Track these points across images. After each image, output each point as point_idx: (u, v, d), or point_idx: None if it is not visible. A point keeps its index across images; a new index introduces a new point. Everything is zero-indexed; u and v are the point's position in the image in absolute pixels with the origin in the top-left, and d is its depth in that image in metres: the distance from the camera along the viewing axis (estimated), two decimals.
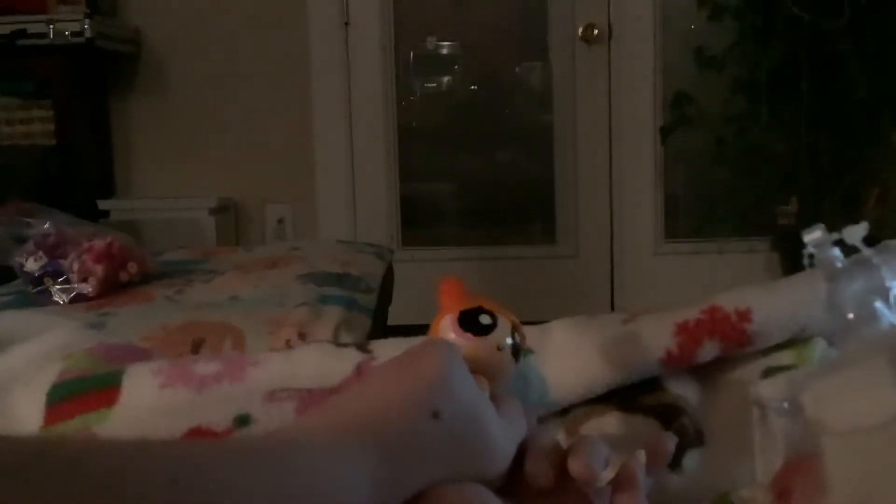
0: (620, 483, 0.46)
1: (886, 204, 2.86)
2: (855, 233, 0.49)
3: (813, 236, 0.48)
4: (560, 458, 0.47)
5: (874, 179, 2.87)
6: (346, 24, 3.27)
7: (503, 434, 0.47)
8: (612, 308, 3.37)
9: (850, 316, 0.45)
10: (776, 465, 0.43)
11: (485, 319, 0.51)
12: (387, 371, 0.48)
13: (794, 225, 3.02)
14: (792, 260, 3.00)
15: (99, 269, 1.57)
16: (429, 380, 0.46)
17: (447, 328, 0.51)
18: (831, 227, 1.93)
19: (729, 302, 0.61)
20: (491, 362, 0.50)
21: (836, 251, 0.48)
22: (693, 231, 3.30)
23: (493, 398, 0.49)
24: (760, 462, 0.48)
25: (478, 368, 0.49)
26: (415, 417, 0.44)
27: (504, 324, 0.51)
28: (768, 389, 0.45)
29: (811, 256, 0.49)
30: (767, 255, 3.21)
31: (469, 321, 0.51)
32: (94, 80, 3.16)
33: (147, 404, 0.58)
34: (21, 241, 1.63)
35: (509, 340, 0.51)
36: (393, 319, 2.14)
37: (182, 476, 0.36)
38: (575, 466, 0.46)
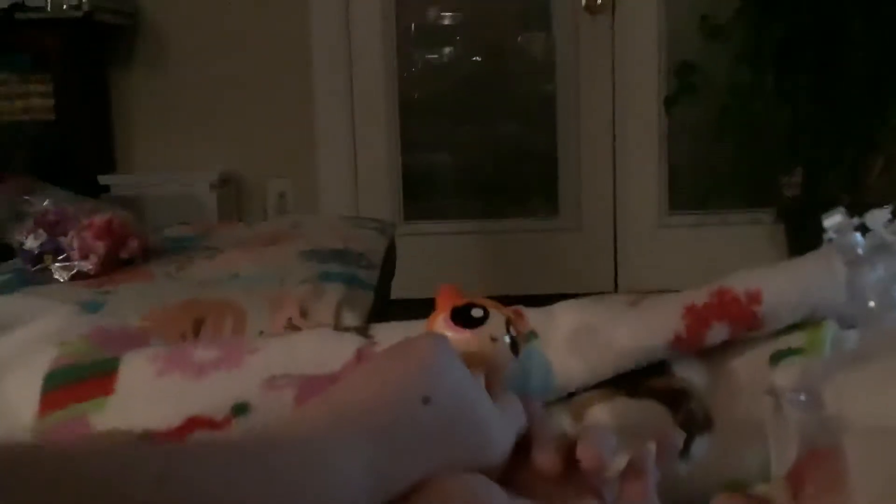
0: (630, 474, 0.46)
1: (891, 174, 2.84)
2: (877, 218, 0.47)
3: (833, 221, 0.46)
4: (568, 447, 0.47)
5: (879, 150, 2.85)
6: None
7: (499, 423, 0.47)
8: (616, 280, 3.36)
9: (872, 304, 0.43)
10: (790, 457, 0.42)
11: (476, 313, 0.52)
12: (378, 361, 0.49)
13: (798, 196, 3.00)
14: (796, 231, 2.99)
15: (99, 247, 1.56)
16: (419, 366, 0.46)
17: (440, 325, 0.52)
18: (836, 198, 1.91)
19: (738, 283, 0.59)
20: (485, 353, 0.50)
21: (857, 236, 0.46)
22: (697, 203, 3.28)
23: (489, 389, 0.49)
24: (774, 453, 0.47)
25: (472, 360, 0.49)
26: (406, 403, 0.44)
27: (497, 317, 0.52)
28: (783, 378, 0.44)
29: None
30: (772, 226, 3.19)
31: (461, 315, 0.52)
32: (93, 54, 3.13)
33: (144, 392, 0.58)
34: (20, 218, 1.62)
35: (505, 335, 0.51)
36: (396, 293, 2.13)
37: (169, 474, 0.35)
38: (584, 455, 0.45)
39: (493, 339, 0.51)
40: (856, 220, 0.46)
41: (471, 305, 0.52)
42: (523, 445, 0.48)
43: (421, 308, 0.60)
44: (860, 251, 0.45)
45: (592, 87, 3.29)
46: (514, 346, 0.52)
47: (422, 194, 3.50)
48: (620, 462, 0.45)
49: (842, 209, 0.46)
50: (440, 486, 0.43)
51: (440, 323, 0.52)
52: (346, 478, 0.41)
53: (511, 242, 3.37)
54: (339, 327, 0.69)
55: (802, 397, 0.40)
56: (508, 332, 0.52)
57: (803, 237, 2.89)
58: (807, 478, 0.39)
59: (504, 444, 0.47)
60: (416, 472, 0.43)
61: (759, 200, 3.21)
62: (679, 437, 0.50)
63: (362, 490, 0.41)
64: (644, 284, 3.27)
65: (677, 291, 0.63)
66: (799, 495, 0.38)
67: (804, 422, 0.40)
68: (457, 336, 0.50)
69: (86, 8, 2.83)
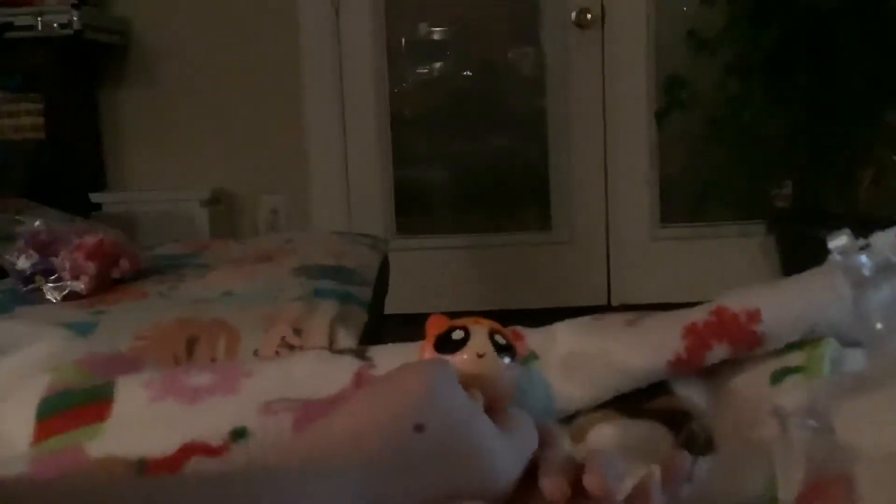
0: (635, 499, 0.45)
1: (881, 184, 2.85)
2: (884, 239, 0.47)
3: (839, 242, 0.46)
4: (574, 472, 0.46)
5: (869, 160, 2.86)
6: (337, 11, 3.24)
7: (503, 449, 0.46)
8: (609, 293, 3.35)
9: (879, 326, 0.43)
10: (796, 480, 0.42)
11: (457, 335, 0.51)
12: (373, 387, 0.48)
13: (788, 208, 3.01)
14: (787, 243, 2.99)
15: (91, 267, 1.55)
16: (411, 393, 0.45)
17: (481, 333, 0.52)
18: (826, 208, 1.91)
19: (737, 303, 0.59)
20: (477, 372, 0.50)
21: (863, 258, 0.46)
22: (688, 215, 3.29)
23: (496, 411, 0.48)
24: (781, 476, 0.46)
25: (469, 382, 0.49)
26: (397, 431, 0.44)
27: (478, 332, 0.52)
28: (789, 401, 0.43)
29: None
30: (763, 238, 3.20)
31: (443, 342, 0.52)
32: (84, 73, 3.12)
33: (139, 418, 0.57)
34: (11, 238, 1.61)
35: (490, 348, 0.51)
36: (389, 308, 2.12)
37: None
38: (592, 482, 0.44)
39: (480, 356, 0.50)
40: (861, 242, 0.46)
41: (452, 329, 0.52)
42: (530, 469, 0.47)
43: (414, 323, 0.60)
44: (866, 272, 0.44)
45: (583, 101, 3.30)
46: (507, 351, 0.51)
47: (414, 209, 3.50)
48: (626, 486, 0.45)
49: (847, 230, 0.46)
50: None
51: (426, 355, 0.52)
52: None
53: (503, 256, 3.37)
54: (335, 348, 0.68)
55: (811, 422, 0.39)
56: (493, 340, 0.51)
57: (795, 249, 2.90)
58: None
59: (509, 471, 0.46)
60: (409, 501, 0.43)
61: (750, 213, 3.22)
62: (687, 461, 0.49)
63: None
64: (637, 297, 3.28)
65: (670, 304, 0.63)
66: None
67: (813, 447, 0.40)
68: (493, 364, 0.50)
69: (76, 27, 2.83)
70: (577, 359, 0.59)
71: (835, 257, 0.45)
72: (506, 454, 0.46)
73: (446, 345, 0.51)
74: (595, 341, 0.60)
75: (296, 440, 0.46)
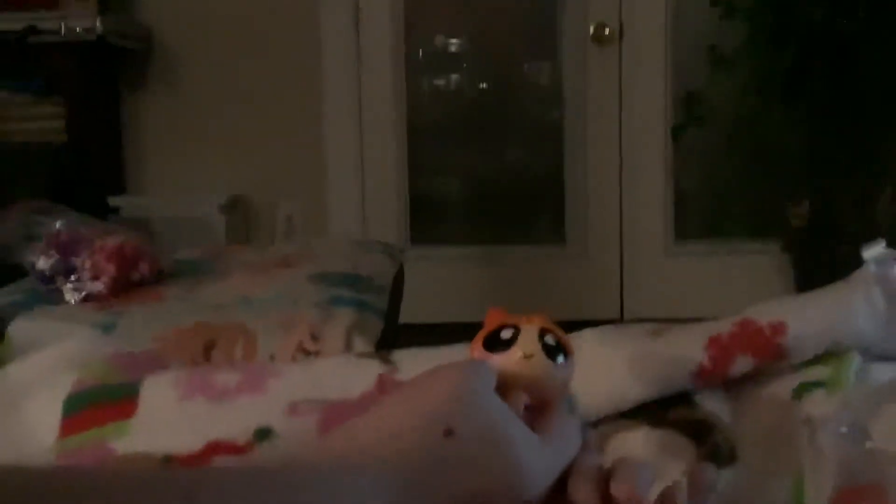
0: None
1: None
2: None
3: (874, 252, 0.46)
4: (602, 479, 0.46)
5: (887, 178, 2.85)
6: (357, 22, 3.25)
7: (535, 458, 0.45)
8: (622, 309, 3.35)
9: None
10: (826, 490, 0.42)
11: (505, 334, 0.50)
12: (405, 389, 0.47)
13: (805, 226, 3.00)
14: (803, 261, 2.98)
15: (111, 268, 1.56)
16: (442, 396, 0.45)
17: (531, 334, 0.50)
18: (843, 226, 1.90)
19: (762, 315, 0.59)
20: (522, 373, 0.49)
21: None
22: (704, 232, 3.28)
23: (544, 414, 0.48)
24: (809, 485, 0.46)
25: (512, 383, 0.48)
26: (427, 435, 0.43)
27: (528, 331, 0.50)
28: (819, 410, 0.43)
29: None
30: (779, 256, 3.19)
31: (491, 341, 0.50)
32: (106, 77, 3.15)
33: (165, 417, 0.57)
34: (33, 239, 1.63)
35: (539, 348, 0.49)
36: (404, 318, 2.13)
37: (197, 494, 0.35)
38: (620, 490, 0.44)
39: (527, 356, 0.49)
40: None
41: (502, 327, 0.51)
42: (561, 474, 0.47)
43: (429, 333, 0.60)
44: None
45: (599, 116, 3.30)
46: (557, 351, 0.50)
47: (429, 219, 3.50)
48: (652, 494, 0.45)
49: (882, 241, 0.46)
50: None
51: (475, 353, 0.51)
52: None
53: (517, 269, 3.37)
54: (359, 353, 0.69)
55: (844, 429, 0.39)
56: (543, 341, 0.50)
57: (811, 267, 2.89)
58: None
59: (539, 479, 0.45)
60: (437, 502, 0.43)
61: (766, 230, 3.21)
62: (713, 473, 0.49)
63: None
64: (650, 312, 3.27)
65: (684, 320, 0.63)
66: None
67: (845, 455, 0.40)
68: (541, 365, 0.49)
69: (99, 31, 2.85)
70: (600, 367, 0.59)
71: (870, 267, 0.45)
72: (538, 462, 0.45)
73: (494, 343, 0.50)
74: (619, 350, 0.60)
75: (327, 438, 0.46)
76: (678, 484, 0.46)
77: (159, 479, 0.36)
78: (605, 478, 0.46)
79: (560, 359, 0.50)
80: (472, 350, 0.51)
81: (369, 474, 0.41)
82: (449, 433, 0.43)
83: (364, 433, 0.44)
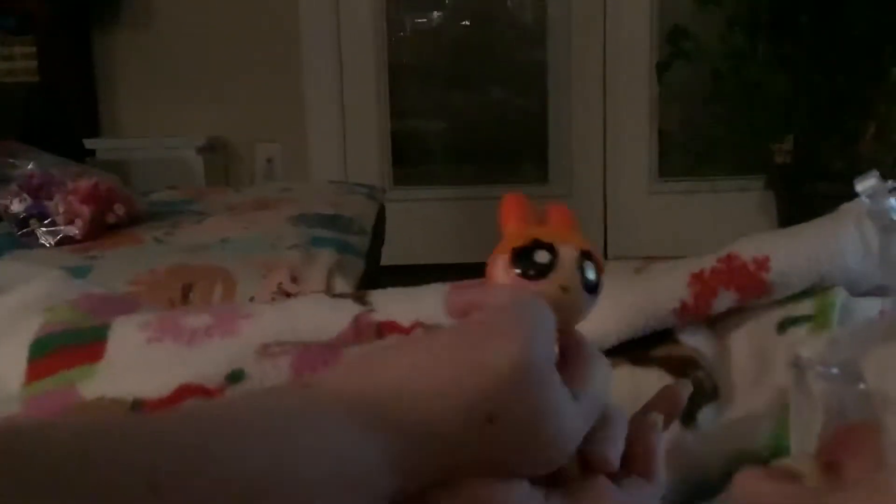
0: (636, 440, 0.43)
1: (883, 139, 2.83)
2: None
3: (867, 184, 0.44)
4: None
5: (871, 116, 2.83)
6: None
7: (576, 423, 0.40)
8: (605, 247, 3.35)
9: None
10: (814, 431, 0.41)
11: (541, 257, 0.43)
12: (449, 345, 0.40)
13: (789, 163, 2.99)
14: (787, 198, 2.98)
15: (85, 211, 1.54)
16: (494, 379, 0.38)
17: (501, 274, 0.43)
18: (827, 164, 1.88)
19: (746, 250, 0.58)
20: (559, 309, 0.42)
21: (892, 201, 0.44)
22: (687, 170, 3.27)
23: (571, 359, 0.42)
24: (795, 427, 0.45)
25: (565, 323, 0.43)
26: (464, 420, 0.38)
27: (568, 256, 0.43)
28: (808, 350, 0.42)
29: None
30: (762, 193, 3.19)
31: (523, 261, 0.43)
32: (78, 16, 3.07)
33: (134, 360, 0.56)
34: (5, 181, 1.60)
35: (579, 276, 0.43)
36: (386, 260, 2.11)
37: (162, 479, 0.32)
38: (593, 457, 0.42)
39: (565, 290, 0.43)
40: (891, 184, 0.44)
41: (534, 244, 0.43)
42: None
43: (411, 274, 0.58)
44: (894, 216, 0.43)
45: (583, 53, 3.26)
46: (593, 287, 0.44)
47: (411, 160, 3.47)
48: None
49: (875, 172, 0.44)
50: (472, 491, 0.39)
51: (500, 272, 0.43)
52: (367, 467, 0.37)
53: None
54: (334, 294, 0.67)
55: (835, 370, 0.38)
56: (583, 272, 0.43)
57: (794, 204, 2.88)
58: (843, 455, 0.37)
59: (572, 446, 0.41)
60: (451, 476, 0.39)
61: (749, 168, 3.20)
62: (686, 388, 0.46)
63: (382, 483, 0.37)
64: (634, 251, 3.27)
65: (667, 259, 0.61)
66: (833, 470, 0.37)
67: (835, 396, 0.38)
68: (578, 300, 0.43)
69: None
70: None
71: (862, 200, 0.44)
72: (575, 429, 0.41)
73: (527, 265, 0.43)
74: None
75: (338, 376, 0.41)
76: (654, 421, 0.45)
77: (120, 463, 0.32)
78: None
79: (594, 292, 0.44)
80: (493, 267, 0.44)
81: (382, 431, 0.37)
82: (491, 419, 0.38)
83: (387, 381, 0.39)
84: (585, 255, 0.44)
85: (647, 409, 0.46)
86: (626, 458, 0.43)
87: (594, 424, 0.42)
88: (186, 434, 0.34)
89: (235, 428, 0.36)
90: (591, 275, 0.44)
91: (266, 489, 0.34)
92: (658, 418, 0.45)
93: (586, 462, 0.42)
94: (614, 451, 0.42)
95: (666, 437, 0.45)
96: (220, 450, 0.34)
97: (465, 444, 0.38)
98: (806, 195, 2.72)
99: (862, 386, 0.36)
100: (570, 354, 0.43)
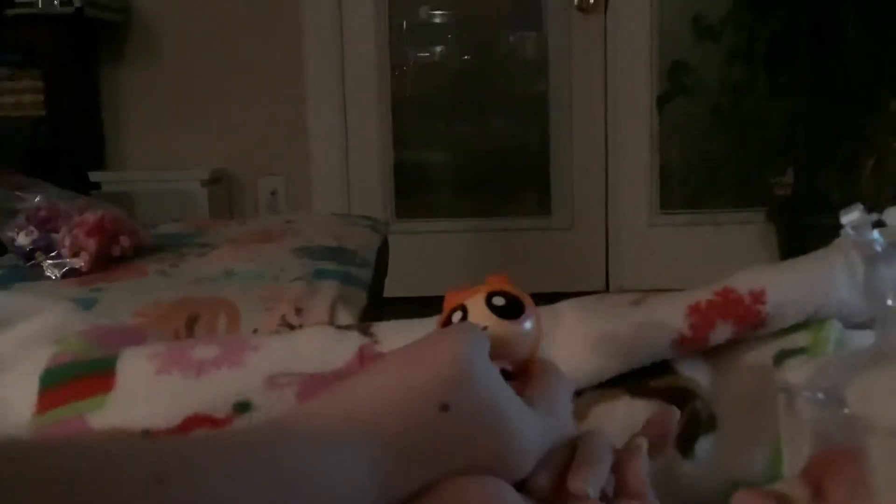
0: (622, 464, 0.44)
1: (882, 172, 2.84)
2: None
3: (851, 217, 0.45)
4: (562, 465, 0.45)
5: (871, 148, 2.85)
6: None
7: (530, 433, 0.44)
8: (607, 279, 3.36)
9: (890, 302, 0.43)
10: (804, 455, 0.42)
11: (456, 317, 0.49)
12: (397, 358, 0.45)
13: (789, 196, 3.01)
14: (787, 230, 2.99)
15: (91, 244, 1.55)
16: (439, 369, 0.43)
17: (477, 306, 0.49)
18: (827, 196, 1.89)
19: (742, 283, 0.59)
20: (518, 347, 0.48)
21: (875, 233, 0.45)
22: (688, 202, 3.29)
23: (529, 382, 0.47)
24: (787, 452, 0.46)
25: (503, 353, 0.47)
26: (421, 409, 0.42)
27: (475, 303, 0.49)
28: (797, 376, 0.43)
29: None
30: (763, 225, 3.20)
31: (502, 306, 0.49)
32: (84, 50, 3.11)
33: (143, 390, 0.57)
34: (11, 214, 1.61)
35: (489, 311, 0.48)
36: (388, 291, 2.12)
37: (168, 473, 0.34)
38: (574, 486, 0.43)
39: (485, 328, 0.48)
40: (874, 217, 0.46)
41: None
42: None
43: (413, 306, 0.59)
44: (878, 248, 0.44)
45: (585, 87, 3.29)
46: (511, 309, 0.49)
47: (414, 192, 3.49)
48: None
49: (859, 205, 0.45)
50: (454, 487, 0.42)
51: (477, 304, 0.49)
52: (352, 475, 0.40)
53: (503, 241, 3.37)
54: (339, 325, 0.68)
55: (821, 395, 0.39)
56: (492, 305, 0.49)
57: (794, 236, 2.90)
58: (826, 477, 0.38)
59: (534, 452, 0.44)
60: (429, 476, 0.42)
61: (750, 200, 3.22)
62: (674, 415, 0.48)
63: (367, 491, 0.40)
64: (635, 283, 3.28)
65: (668, 290, 0.63)
66: (819, 494, 0.38)
67: (821, 420, 0.40)
68: (496, 326, 0.47)
69: (77, 4, 2.81)
70: (582, 337, 0.59)
71: (847, 232, 0.45)
72: (532, 436, 0.44)
73: (505, 308, 0.48)
74: (600, 320, 0.60)
75: (312, 406, 0.44)
76: (639, 445, 0.46)
77: (127, 456, 0.34)
78: (565, 463, 0.45)
79: (522, 318, 0.49)
80: (466, 298, 0.50)
81: (355, 441, 0.40)
82: (444, 408, 0.42)
83: (351, 400, 0.43)
84: (493, 294, 0.49)
85: (635, 436, 0.48)
86: (619, 485, 0.45)
87: (557, 448, 0.45)
88: (192, 438, 0.36)
89: (237, 440, 0.39)
90: (498, 302, 0.49)
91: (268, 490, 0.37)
92: (642, 441, 0.46)
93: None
94: (591, 481, 0.44)
95: (653, 463, 0.46)
96: (222, 450, 0.37)
97: (429, 436, 0.42)
98: (807, 227, 2.73)
99: (846, 411, 0.38)
100: (530, 377, 0.48)
